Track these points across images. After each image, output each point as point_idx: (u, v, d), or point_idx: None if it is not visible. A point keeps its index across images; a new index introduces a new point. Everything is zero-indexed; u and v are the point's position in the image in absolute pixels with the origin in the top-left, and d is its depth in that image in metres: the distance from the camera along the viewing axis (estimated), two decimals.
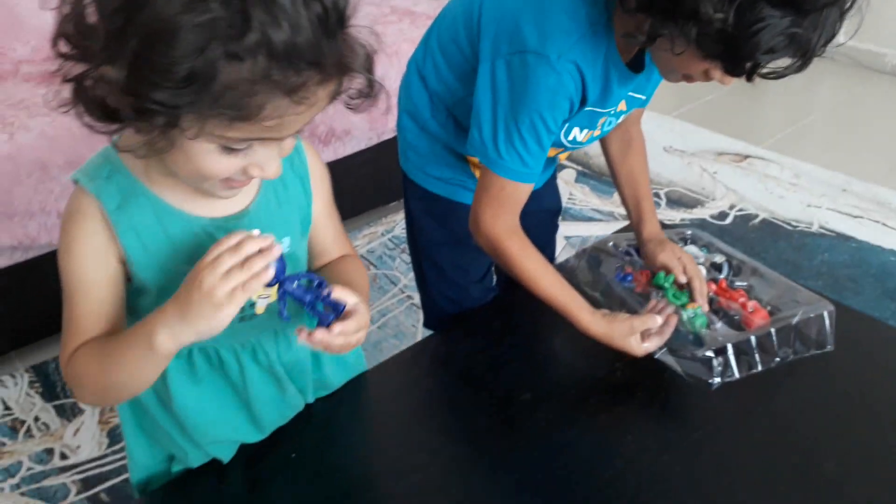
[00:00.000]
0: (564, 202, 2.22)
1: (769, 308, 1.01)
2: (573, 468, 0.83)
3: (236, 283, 0.60)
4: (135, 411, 0.83)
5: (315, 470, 0.82)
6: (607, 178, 2.35)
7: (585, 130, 0.95)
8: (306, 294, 0.67)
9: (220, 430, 0.82)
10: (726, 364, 0.92)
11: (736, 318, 1.00)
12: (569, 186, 2.33)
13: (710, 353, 0.92)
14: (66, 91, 0.57)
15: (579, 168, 2.44)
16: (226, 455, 0.83)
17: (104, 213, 0.66)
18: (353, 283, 0.76)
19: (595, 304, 0.97)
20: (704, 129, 2.72)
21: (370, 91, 0.62)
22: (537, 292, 0.93)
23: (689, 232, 1.19)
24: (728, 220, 2.18)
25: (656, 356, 0.94)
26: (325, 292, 0.67)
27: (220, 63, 0.51)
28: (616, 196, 2.22)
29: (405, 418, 0.93)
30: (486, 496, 0.80)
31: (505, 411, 0.90)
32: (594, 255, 1.11)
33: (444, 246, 1.12)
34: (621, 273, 1.07)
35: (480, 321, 1.07)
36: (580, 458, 0.84)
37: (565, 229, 2.10)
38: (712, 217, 2.19)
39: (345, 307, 0.68)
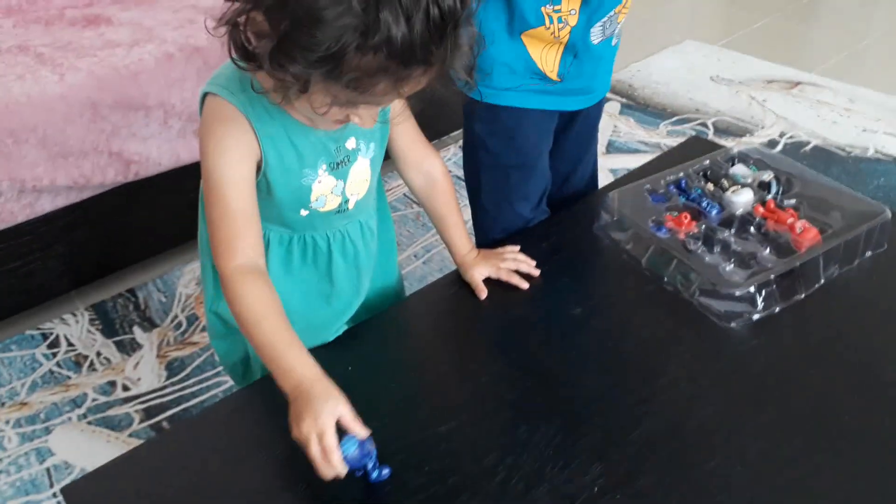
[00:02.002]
0: (609, 135, 2.19)
1: (820, 225, 0.99)
2: (618, 382, 0.84)
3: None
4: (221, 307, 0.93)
5: (369, 382, 0.84)
6: (653, 108, 2.31)
7: None
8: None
9: (299, 321, 0.87)
10: (770, 295, 0.90)
11: (785, 242, 0.97)
12: (613, 119, 2.28)
13: (751, 290, 0.89)
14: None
15: (623, 100, 2.39)
16: None
17: (248, 122, 0.76)
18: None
19: (625, 254, 0.98)
20: (752, 56, 2.62)
21: (467, 85, 0.73)
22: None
23: (736, 150, 1.15)
24: (778, 148, 2.11)
25: (696, 300, 0.92)
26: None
27: (350, 52, 0.62)
28: (662, 127, 2.20)
29: (449, 337, 0.95)
30: (533, 401, 0.82)
31: (554, 327, 0.92)
32: (625, 196, 1.07)
33: (511, 169, 1.11)
34: (655, 224, 1.02)
35: (528, 242, 1.06)
36: (627, 374, 0.85)
37: (611, 162, 2.07)
38: (762, 146, 2.13)
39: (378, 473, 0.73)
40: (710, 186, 1.09)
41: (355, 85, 0.66)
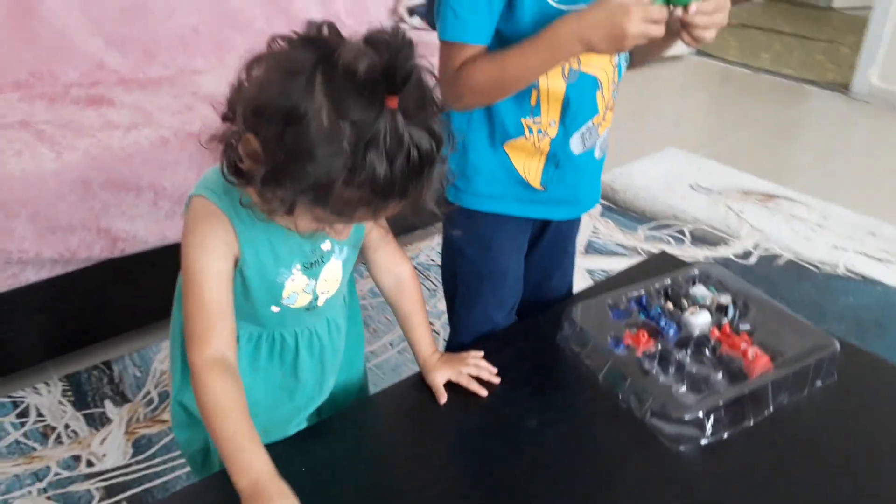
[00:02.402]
0: (588, 236, 2.25)
1: (772, 352, 1.03)
2: (567, 500, 0.86)
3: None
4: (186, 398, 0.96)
5: (320, 484, 0.86)
6: (633, 212, 2.39)
7: None
8: None
9: (262, 413, 0.91)
10: (719, 421, 0.93)
11: (737, 367, 1.01)
12: (593, 220, 2.36)
13: (699, 415, 0.92)
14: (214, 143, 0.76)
15: (605, 202, 2.47)
16: None
17: (230, 223, 0.82)
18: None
19: (584, 367, 1.02)
20: (731, 167, 2.73)
21: (438, 210, 0.78)
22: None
23: (697, 271, 1.20)
24: (752, 260, 2.18)
25: (647, 420, 0.95)
26: None
27: (337, 186, 0.68)
28: (641, 231, 2.27)
29: (406, 442, 0.96)
30: None
31: (510, 438, 0.94)
32: (588, 309, 1.11)
33: (486, 277, 1.15)
34: (614, 339, 1.06)
35: (492, 347, 1.10)
36: (575, 492, 0.87)
37: (589, 263, 2.12)
38: (736, 256, 2.20)
39: None
40: (670, 305, 1.13)
41: (338, 212, 0.73)
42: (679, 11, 0.88)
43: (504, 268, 1.15)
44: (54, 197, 1.47)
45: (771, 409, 0.98)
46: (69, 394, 1.63)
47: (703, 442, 0.93)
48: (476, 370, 1.02)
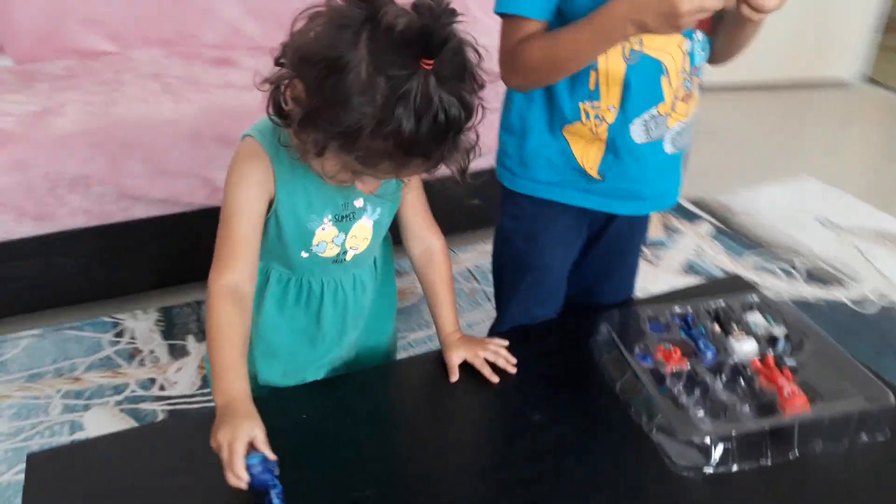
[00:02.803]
0: (690, 255, 2.15)
1: (814, 394, 0.94)
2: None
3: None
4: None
5: (317, 433, 0.90)
6: (746, 237, 2.25)
7: None
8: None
9: (283, 355, 1.01)
10: (728, 452, 0.87)
11: (770, 402, 0.93)
12: (700, 240, 2.24)
13: (707, 440, 0.86)
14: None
15: (718, 224, 2.34)
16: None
17: (271, 164, 0.88)
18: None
19: (607, 374, 0.99)
20: (870, 205, 2.49)
21: (462, 174, 0.83)
22: None
23: (757, 297, 1.12)
24: (870, 309, 1.98)
25: (653, 436, 0.90)
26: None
27: (364, 134, 0.73)
28: (749, 258, 2.13)
29: (410, 410, 0.99)
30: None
31: (510, 428, 0.93)
32: (627, 317, 1.07)
33: (529, 271, 1.15)
34: (642, 351, 1.01)
35: (522, 339, 1.09)
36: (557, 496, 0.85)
37: (685, 281, 2.03)
38: (852, 301, 2.01)
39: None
40: (717, 328, 1.06)
41: (363, 160, 0.78)
42: None
43: (549, 262, 1.13)
44: (168, 143, 1.62)
45: (797, 452, 0.90)
46: (161, 324, 1.79)
47: (708, 470, 0.87)
48: (493, 356, 1.01)
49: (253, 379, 1.03)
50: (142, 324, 1.79)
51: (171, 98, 1.66)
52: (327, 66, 0.73)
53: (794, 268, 2.13)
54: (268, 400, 0.94)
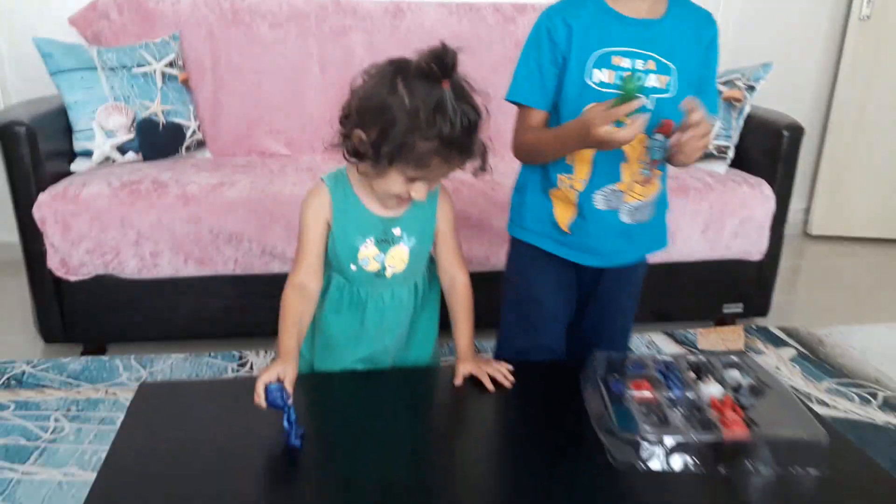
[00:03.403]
0: (772, 370, 2.20)
1: (756, 428, 1.07)
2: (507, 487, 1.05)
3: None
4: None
5: (335, 412, 1.18)
6: (830, 366, 2.26)
7: (605, 70, 1.23)
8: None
9: (334, 345, 1.33)
10: (653, 453, 1.03)
11: (711, 425, 1.07)
12: (780, 362, 2.29)
13: (637, 438, 1.03)
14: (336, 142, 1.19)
15: (803, 350, 2.37)
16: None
17: (330, 198, 1.25)
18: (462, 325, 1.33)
19: (584, 400, 1.18)
20: None
21: (483, 166, 1.17)
22: None
23: (742, 361, 1.26)
24: None
25: (601, 434, 1.08)
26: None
27: (418, 141, 1.08)
28: (825, 383, 2.15)
29: (408, 405, 1.24)
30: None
31: (492, 428, 1.16)
32: (612, 359, 1.26)
33: (522, 303, 1.42)
34: (616, 382, 1.19)
35: (526, 368, 1.31)
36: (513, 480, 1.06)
37: None
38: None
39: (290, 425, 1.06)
40: (692, 375, 1.23)
41: (418, 163, 1.10)
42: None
43: (538, 296, 1.38)
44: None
45: (723, 470, 1.04)
46: None
47: (640, 466, 1.03)
48: (493, 371, 1.26)
49: (309, 363, 1.35)
50: (261, 360, 2.17)
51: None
52: (377, 108, 1.09)
53: (873, 396, 2.11)
54: (311, 377, 1.26)
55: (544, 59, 1.25)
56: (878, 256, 3.38)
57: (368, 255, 1.26)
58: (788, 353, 2.35)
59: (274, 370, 1.09)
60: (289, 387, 1.08)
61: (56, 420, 1.84)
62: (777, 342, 2.41)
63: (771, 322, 2.56)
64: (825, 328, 2.53)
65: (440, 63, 1.07)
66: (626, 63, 1.22)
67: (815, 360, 2.33)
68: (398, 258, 1.28)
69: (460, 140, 1.08)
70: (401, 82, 1.08)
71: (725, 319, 2.52)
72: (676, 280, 2.36)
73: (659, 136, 1.24)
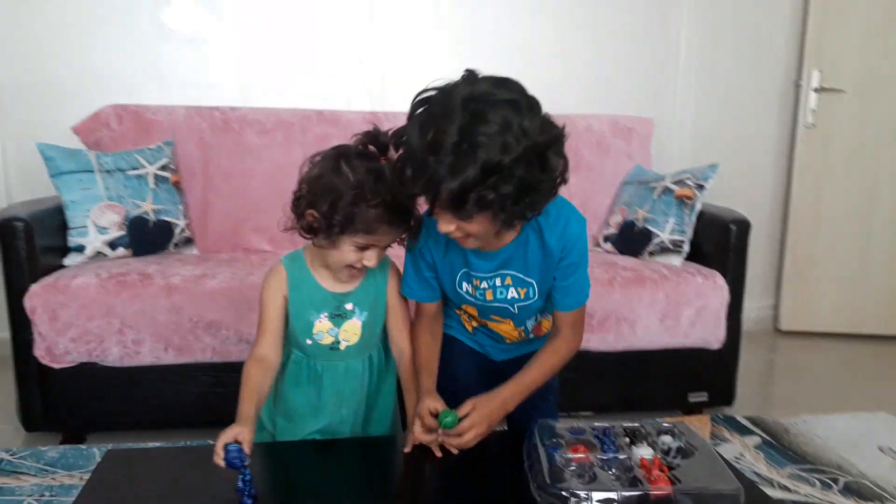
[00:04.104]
0: (733, 457, 2.25)
1: (679, 484, 1.15)
2: None
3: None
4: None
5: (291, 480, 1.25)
6: (794, 453, 2.30)
7: (464, 284, 1.41)
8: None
9: (293, 416, 1.41)
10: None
11: (640, 481, 1.14)
12: (745, 449, 2.34)
13: (563, 493, 1.10)
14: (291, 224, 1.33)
15: (768, 438, 2.42)
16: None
17: (286, 275, 1.38)
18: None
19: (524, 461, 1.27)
20: None
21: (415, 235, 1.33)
22: None
23: (677, 428, 1.34)
24: None
25: (534, 490, 1.15)
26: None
27: (362, 209, 1.23)
28: (786, 469, 2.19)
29: (362, 470, 1.32)
30: None
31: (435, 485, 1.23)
32: (552, 427, 1.34)
33: (446, 381, 1.54)
34: (554, 445, 1.26)
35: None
36: None
37: None
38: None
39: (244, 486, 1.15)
40: (627, 440, 1.31)
41: (366, 228, 1.24)
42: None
43: (453, 372, 1.52)
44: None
45: None
46: None
47: None
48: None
49: (271, 435, 1.43)
50: None
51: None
52: (328, 186, 1.23)
53: (834, 481, 2.15)
54: (270, 445, 1.34)
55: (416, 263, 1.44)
56: (844, 350, 3.47)
57: (322, 329, 1.37)
58: (753, 440, 2.40)
59: (232, 432, 1.17)
60: (246, 448, 1.16)
61: None
62: (742, 430, 2.46)
63: (738, 411, 2.62)
64: (791, 418, 2.59)
65: (376, 142, 1.24)
66: (483, 285, 1.41)
67: (780, 447, 2.38)
68: (351, 332, 1.39)
69: (402, 205, 1.22)
70: (343, 163, 1.24)
71: (692, 409, 2.58)
72: (641, 368, 2.44)
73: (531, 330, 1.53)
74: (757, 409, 2.69)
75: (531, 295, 1.41)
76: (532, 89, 1.16)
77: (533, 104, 1.14)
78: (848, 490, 2.12)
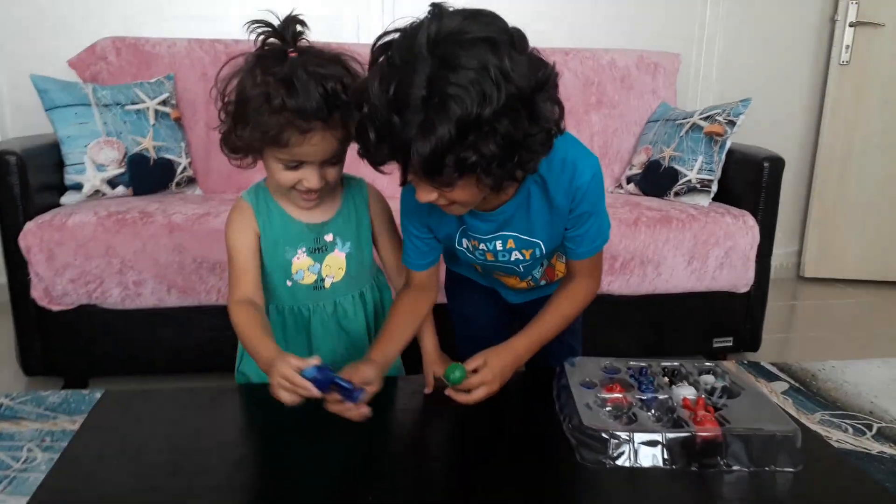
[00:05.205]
0: None
1: (726, 424, 1.05)
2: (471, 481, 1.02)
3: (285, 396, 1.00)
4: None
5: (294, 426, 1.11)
6: (823, 399, 2.21)
7: (464, 241, 1.24)
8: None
9: None
10: (621, 449, 1.01)
11: (685, 423, 1.05)
12: (772, 394, 2.24)
13: (603, 434, 1.01)
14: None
15: (795, 384, 2.33)
16: None
17: (253, 211, 1.18)
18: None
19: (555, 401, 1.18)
20: None
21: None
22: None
23: (717, 366, 1.24)
24: None
25: (569, 432, 1.06)
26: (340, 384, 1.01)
27: (264, 116, 1.01)
28: (818, 415, 2.10)
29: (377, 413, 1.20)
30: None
31: (461, 434, 1.14)
32: (585, 364, 1.25)
33: (455, 318, 1.50)
34: (588, 386, 1.17)
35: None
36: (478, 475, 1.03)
37: None
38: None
39: (351, 386, 1.02)
40: (666, 380, 1.21)
41: (275, 140, 1.02)
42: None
43: (466, 313, 1.43)
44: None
45: (695, 468, 1.01)
46: None
47: (608, 464, 1.01)
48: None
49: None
50: None
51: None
52: (238, 96, 1.04)
53: (867, 428, 2.06)
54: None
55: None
56: (870, 297, 3.36)
57: (302, 266, 1.20)
58: (780, 386, 2.31)
59: (282, 370, 0.97)
60: (309, 361, 0.98)
61: (29, 450, 1.80)
62: (769, 376, 2.36)
63: (762, 358, 2.52)
64: (818, 363, 2.49)
65: (281, 36, 1.03)
66: (482, 247, 1.24)
67: (808, 393, 2.28)
68: (335, 266, 1.22)
69: (316, 109, 1.00)
70: (253, 63, 1.05)
71: (716, 354, 2.48)
72: (665, 313, 2.34)
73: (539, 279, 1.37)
74: (781, 354, 2.59)
75: (538, 254, 1.23)
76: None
77: (515, 40, 0.92)
78: (882, 436, 2.03)
